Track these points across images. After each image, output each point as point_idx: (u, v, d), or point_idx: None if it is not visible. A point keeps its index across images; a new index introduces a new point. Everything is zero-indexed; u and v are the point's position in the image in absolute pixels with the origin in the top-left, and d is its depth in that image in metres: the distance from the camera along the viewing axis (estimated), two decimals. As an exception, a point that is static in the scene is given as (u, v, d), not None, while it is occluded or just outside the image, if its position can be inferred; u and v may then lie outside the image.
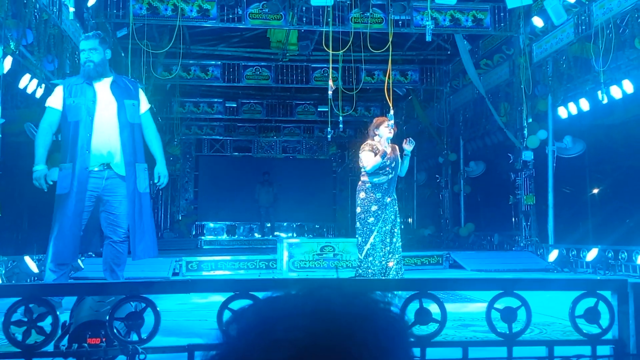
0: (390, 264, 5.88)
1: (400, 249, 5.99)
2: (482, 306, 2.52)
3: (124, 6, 9.57)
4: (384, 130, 6.02)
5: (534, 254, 9.92)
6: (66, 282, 4.05)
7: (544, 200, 10.03)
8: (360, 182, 6.13)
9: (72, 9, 7.68)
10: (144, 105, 4.57)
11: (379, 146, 6.00)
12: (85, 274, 7.63)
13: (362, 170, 6.16)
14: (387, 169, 6.03)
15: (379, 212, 5.90)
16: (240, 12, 10.03)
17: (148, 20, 9.73)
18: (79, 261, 7.74)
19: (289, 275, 8.41)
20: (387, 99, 9.22)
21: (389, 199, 5.96)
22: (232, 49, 13.60)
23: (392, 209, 5.98)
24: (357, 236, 6.03)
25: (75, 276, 7.51)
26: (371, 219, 5.90)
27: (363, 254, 5.91)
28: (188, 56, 12.86)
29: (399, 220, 6.05)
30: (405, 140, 6.08)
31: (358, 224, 6.01)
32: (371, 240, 5.87)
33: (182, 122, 17.29)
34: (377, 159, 5.89)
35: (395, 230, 5.97)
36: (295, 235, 18.69)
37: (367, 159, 5.93)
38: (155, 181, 4.51)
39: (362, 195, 6.01)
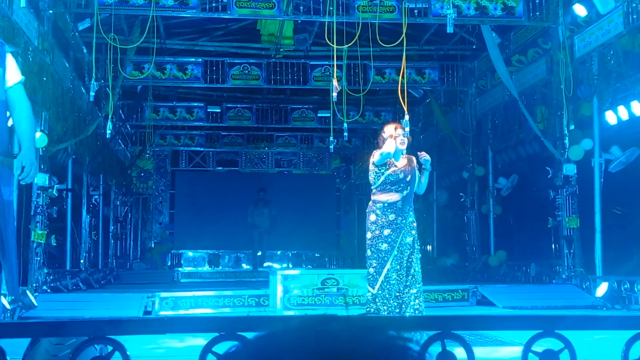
0: (408, 299, 5.89)
1: (421, 281, 6.00)
2: (517, 350, 2.52)
3: (87, -7, 9.65)
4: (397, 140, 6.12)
5: (578, 287, 9.88)
6: (16, 322, 4.01)
7: (590, 223, 10.01)
8: (370, 203, 6.15)
9: (24, -5, 7.73)
10: (12, 76, 3.96)
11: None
12: (40, 313, 7.62)
13: (372, 187, 6.18)
14: (401, 184, 6.04)
15: (394, 237, 5.90)
16: (225, 1, 10.10)
17: (116, 10, 9.80)
18: (31, 297, 7.72)
19: (284, 313, 8.38)
20: (400, 102, 9.27)
21: (404, 221, 5.97)
22: (216, 44, 13.68)
23: (409, 233, 5.99)
24: (367, 266, 6.02)
25: (26, 315, 7.49)
26: (384, 246, 5.91)
27: (376, 288, 5.91)
28: (163, 52, 12.94)
29: (417, 246, 6.05)
30: (421, 154, 6.17)
31: (369, 252, 6.02)
32: (385, 271, 5.87)
33: (156, 130, 17.33)
34: (390, 146, 5.93)
35: (414, 258, 5.98)
36: (291, 265, 18.66)
37: (378, 151, 6.05)
38: (17, 173, 3.78)
39: (372, 217, 6.04)
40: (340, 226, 20.52)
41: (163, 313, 8.73)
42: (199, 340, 2.25)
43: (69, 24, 10.92)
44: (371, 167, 6.19)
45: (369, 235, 6.02)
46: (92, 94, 10.29)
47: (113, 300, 9.15)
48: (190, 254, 19.04)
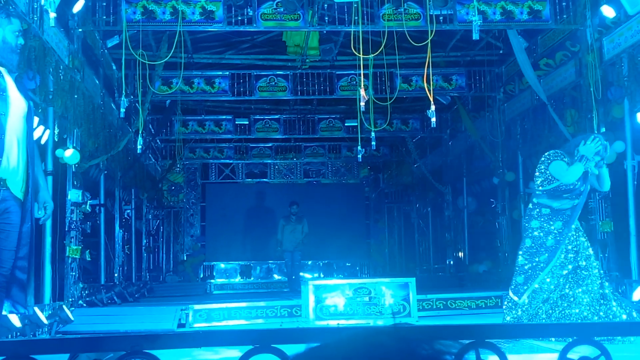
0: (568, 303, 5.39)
1: (594, 289, 5.45)
2: (552, 357, 2.50)
3: (114, 11, 9.79)
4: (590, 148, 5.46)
5: (614, 291, 9.74)
6: (55, 338, 4.08)
7: (625, 226, 9.87)
8: (530, 206, 5.70)
9: (53, 14, 7.86)
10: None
11: None
12: (76, 328, 7.72)
13: (536, 188, 5.71)
14: (575, 192, 5.58)
15: (555, 247, 5.48)
16: (250, 13, 10.18)
17: (143, 26, 9.93)
18: (68, 312, 7.83)
19: (316, 324, 8.39)
20: (428, 107, 9.27)
21: (568, 230, 5.53)
22: (242, 57, 13.79)
23: (575, 244, 5.57)
24: (516, 274, 5.66)
25: (63, 330, 7.59)
26: (546, 256, 5.47)
27: (522, 298, 5.50)
28: (190, 66, 13.08)
29: (583, 262, 5.53)
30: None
31: (521, 259, 5.63)
32: (538, 281, 5.44)
33: (185, 144, 17.50)
34: (574, 173, 5.38)
35: (582, 264, 5.51)
36: (322, 275, 18.67)
37: (557, 165, 5.50)
38: (41, 214, 4.09)
39: (534, 223, 5.60)
40: (370, 235, 20.50)
41: (197, 325, 8.79)
42: (234, 352, 2.27)
43: (98, 42, 11.09)
44: (541, 168, 5.70)
45: (527, 242, 5.59)
46: (122, 110, 10.43)
47: (147, 313, 9.23)
48: (222, 265, 19.16)
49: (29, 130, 4.00)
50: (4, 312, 3.95)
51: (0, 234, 3.84)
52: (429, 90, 8.93)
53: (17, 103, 3.96)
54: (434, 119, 9.24)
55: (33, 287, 4.09)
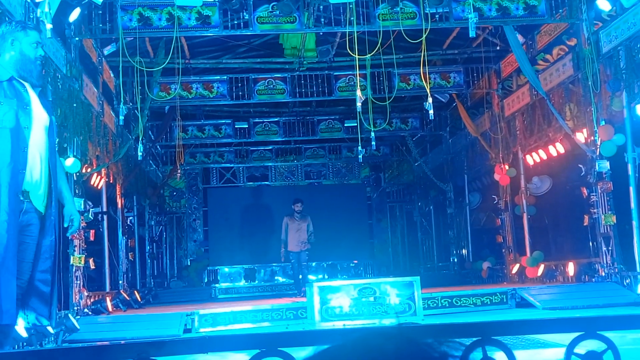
0: None
1: None
2: (559, 352, 2.50)
3: (111, 19, 9.81)
4: None
5: (619, 284, 9.74)
6: (61, 347, 4.07)
7: (627, 219, 9.87)
8: None
9: (49, 26, 7.86)
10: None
11: None
12: (82, 336, 7.72)
13: None
14: None
15: None
16: (246, 17, 10.19)
17: (140, 33, 9.95)
18: (74, 320, 7.83)
19: (322, 325, 8.38)
20: (426, 109, 9.28)
21: None
22: (240, 61, 13.80)
23: None
24: None
25: (69, 339, 7.60)
26: None
27: None
28: (188, 72, 13.09)
29: None
30: None
31: None
32: None
33: (186, 149, 17.51)
34: None
35: None
36: (326, 276, 18.67)
37: None
38: (68, 226, 4.17)
39: None
40: (373, 235, 20.51)
41: (203, 330, 8.80)
42: (241, 356, 2.28)
43: (95, 50, 11.10)
44: None
45: None
46: (121, 117, 10.46)
47: (153, 319, 9.24)
48: (226, 269, 19.16)
49: (51, 143, 4.02)
50: (23, 323, 3.95)
51: (20, 246, 3.85)
52: (426, 79, 8.95)
53: (40, 116, 3.98)
54: (431, 112, 9.27)
55: (56, 300, 4.12)
